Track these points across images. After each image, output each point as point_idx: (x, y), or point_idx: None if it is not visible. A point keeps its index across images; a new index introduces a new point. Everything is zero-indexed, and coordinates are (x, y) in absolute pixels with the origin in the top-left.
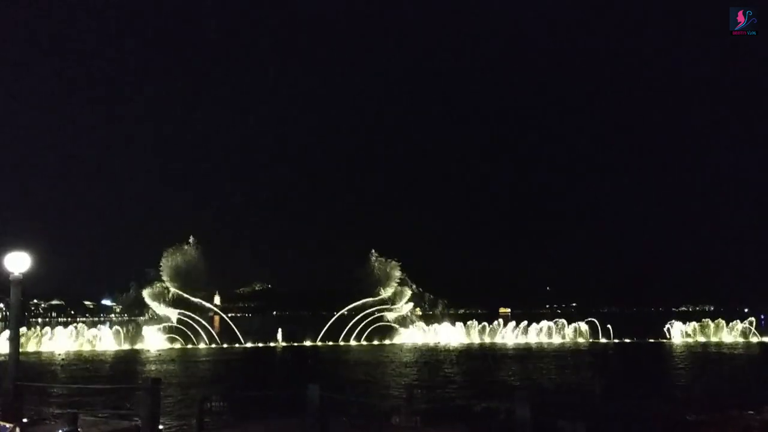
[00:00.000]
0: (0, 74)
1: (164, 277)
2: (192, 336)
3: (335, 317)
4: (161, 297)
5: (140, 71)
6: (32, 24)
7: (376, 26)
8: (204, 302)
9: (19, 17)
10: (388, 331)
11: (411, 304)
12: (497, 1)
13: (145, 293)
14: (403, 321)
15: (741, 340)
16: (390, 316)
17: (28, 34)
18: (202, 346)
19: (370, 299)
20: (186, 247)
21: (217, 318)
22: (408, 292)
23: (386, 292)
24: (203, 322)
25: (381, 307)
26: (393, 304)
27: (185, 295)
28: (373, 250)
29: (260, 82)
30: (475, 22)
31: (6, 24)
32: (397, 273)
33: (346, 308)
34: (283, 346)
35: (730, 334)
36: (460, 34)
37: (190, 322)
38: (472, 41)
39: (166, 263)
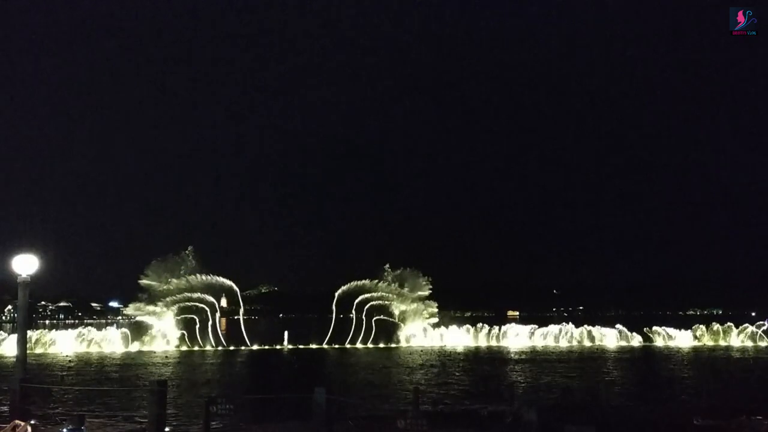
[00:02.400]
0: (8, 80)
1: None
2: (199, 338)
3: (335, 317)
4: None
5: (145, 74)
6: (38, 29)
7: (379, 28)
8: (221, 279)
9: (24, 21)
10: (393, 332)
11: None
12: (498, 3)
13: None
14: (408, 315)
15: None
16: (396, 310)
17: (35, 39)
18: (208, 348)
19: (362, 282)
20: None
21: (224, 320)
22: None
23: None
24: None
25: (385, 294)
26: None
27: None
28: (387, 266)
29: (265, 84)
30: (479, 25)
31: (10, 29)
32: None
33: (338, 291)
34: (290, 349)
35: (737, 337)
36: (466, 36)
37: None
38: (476, 42)
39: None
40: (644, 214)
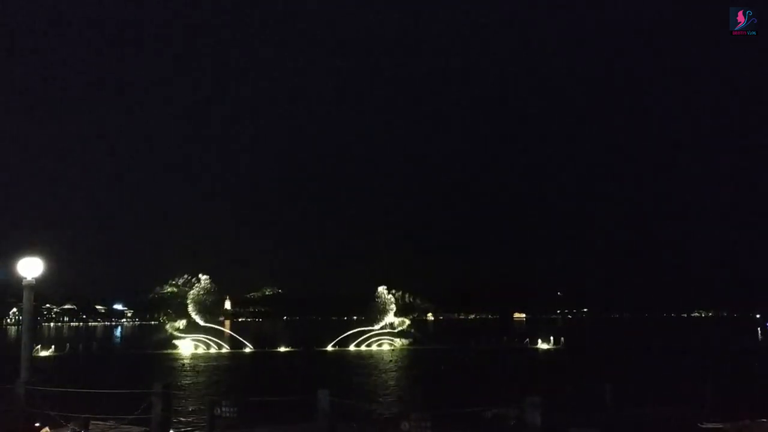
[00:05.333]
0: (9, 80)
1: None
2: (202, 343)
3: (341, 337)
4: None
5: (146, 75)
6: (38, 28)
7: (374, 30)
8: (217, 326)
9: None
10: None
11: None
12: (500, 3)
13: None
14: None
15: None
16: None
17: (36, 38)
18: (212, 351)
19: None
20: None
21: (227, 322)
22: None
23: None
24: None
25: (381, 332)
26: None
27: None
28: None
29: (268, 89)
30: (480, 22)
31: (9, 28)
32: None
33: (354, 331)
34: (292, 351)
35: None
36: (465, 34)
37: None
38: (475, 41)
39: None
40: (648, 217)
